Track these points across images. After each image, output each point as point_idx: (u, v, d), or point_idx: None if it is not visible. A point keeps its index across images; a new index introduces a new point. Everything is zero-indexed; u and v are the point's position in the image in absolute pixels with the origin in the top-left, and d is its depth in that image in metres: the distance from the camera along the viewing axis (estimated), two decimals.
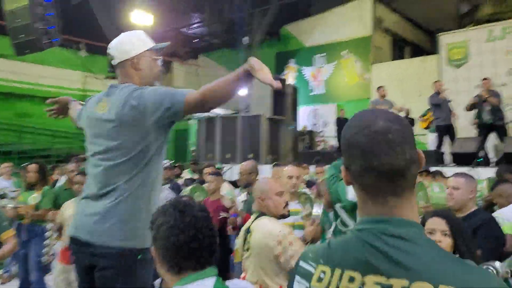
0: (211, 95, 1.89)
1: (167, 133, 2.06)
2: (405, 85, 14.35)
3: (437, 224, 2.22)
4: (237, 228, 4.26)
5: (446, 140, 8.68)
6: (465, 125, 9.31)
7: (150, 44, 2.16)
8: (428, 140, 10.88)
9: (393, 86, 14.84)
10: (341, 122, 12.79)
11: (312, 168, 7.68)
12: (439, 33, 13.36)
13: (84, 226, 1.97)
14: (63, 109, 2.51)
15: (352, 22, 16.38)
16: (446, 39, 12.69)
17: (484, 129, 7.95)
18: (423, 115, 11.04)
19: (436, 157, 7.85)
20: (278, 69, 18.03)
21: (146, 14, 15.38)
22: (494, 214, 3.20)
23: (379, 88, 9.15)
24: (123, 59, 2.11)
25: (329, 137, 16.01)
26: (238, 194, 5.24)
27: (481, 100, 7.94)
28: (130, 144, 1.97)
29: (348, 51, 16.60)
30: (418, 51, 18.51)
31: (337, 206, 3.56)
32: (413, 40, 18.55)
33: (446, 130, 8.69)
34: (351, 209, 3.42)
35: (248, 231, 2.53)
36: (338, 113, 15.58)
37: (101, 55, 17.89)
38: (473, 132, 10.89)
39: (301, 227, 3.66)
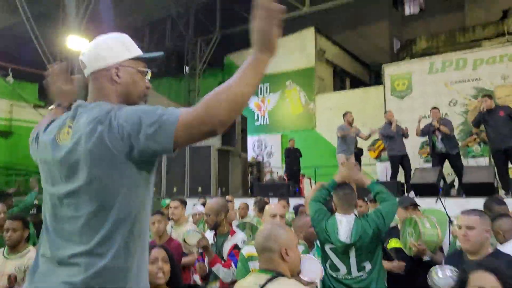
0: (218, 100, 1.26)
1: (151, 173, 1.45)
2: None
3: (487, 281, 1.81)
4: (207, 279, 3.65)
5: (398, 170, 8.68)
6: (411, 156, 9.39)
7: (136, 51, 1.60)
8: (377, 170, 10.91)
9: (337, 116, 15.02)
10: (290, 153, 12.55)
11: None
12: (384, 64, 13.73)
13: None
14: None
15: (295, 53, 16.52)
16: (389, 71, 13.04)
17: (438, 158, 7.99)
18: (373, 145, 11.10)
19: (398, 188, 7.72)
20: None
21: (82, 39, 14.49)
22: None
23: (345, 113, 9.01)
24: (97, 68, 1.54)
25: (275, 168, 15.76)
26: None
27: (433, 129, 8.00)
28: (101, 190, 1.36)
29: (292, 81, 16.66)
30: (357, 82, 19.09)
31: (327, 247, 3.24)
32: (352, 72, 19.10)
33: (400, 161, 8.67)
34: (343, 251, 3.13)
35: None
36: (286, 143, 15.44)
37: (30, 82, 16.63)
38: (419, 162, 11.12)
39: None
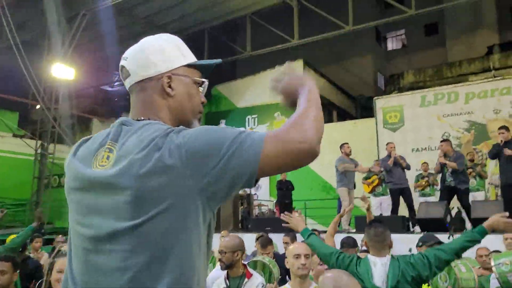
0: (303, 121, 1.07)
1: (214, 213, 1.11)
2: (337, 147, 14.39)
3: None
4: None
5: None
6: None
7: (192, 57, 1.29)
8: (371, 204, 10.68)
9: (327, 149, 14.91)
10: (282, 185, 12.25)
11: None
12: (375, 97, 13.76)
13: None
14: None
15: None
16: (381, 103, 13.04)
17: (446, 192, 7.80)
18: (367, 178, 10.89)
19: (403, 223, 7.47)
20: None
21: (67, 68, 14.17)
22: None
23: (343, 145, 8.85)
24: (145, 76, 1.22)
25: (263, 201, 15.39)
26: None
27: (442, 164, 7.86)
28: (156, 231, 1.02)
29: (280, 113, 16.53)
30: (343, 115, 19.15)
31: None
32: (339, 105, 19.17)
33: (399, 194, 8.49)
34: None
35: None
36: (274, 176, 15.15)
37: (10, 110, 16.07)
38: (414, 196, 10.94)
39: None
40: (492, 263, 3.53)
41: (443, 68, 15.65)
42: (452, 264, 3.42)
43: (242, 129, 1.08)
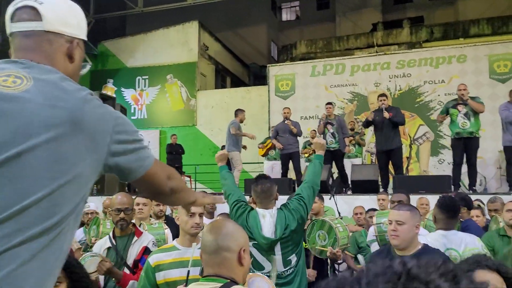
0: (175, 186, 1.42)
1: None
2: (230, 113, 14.42)
3: (491, 281, 1.64)
4: None
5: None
6: None
7: (85, 33, 1.35)
8: (264, 167, 10.92)
9: (219, 114, 14.86)
10: (172, 148, 11.95)
11: None
12: (269, 65, 13.92)
13: None
14: None
15: (177, 46, 15.91)
16: (274, 71, 13.24)
17: (328, 155, 8.22)
18: (263, 143, 11.07)
19: (289, 185, 7.72)
20: (93, 89, 16.15)
21: None
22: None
23: (241, 111, 8.91)
24: (60, 31, 1.24)
25: None
26: None
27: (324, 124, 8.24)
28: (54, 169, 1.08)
29: (173, 76, 15.97)
30: (237, 81, 19.18)
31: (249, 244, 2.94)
32: (233, 71, 19.13)
33: (288, 158, 8.77)
34: (268, 247, 2.86)
35: None
36: (165, 139, 14.76)
37: None
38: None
39: None
40: (374, 221, 3.75)
41: (332, 41, 16.35)
42: (333, 225, 3.57)
43: None
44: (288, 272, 2.88)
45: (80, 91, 1.17)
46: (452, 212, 3.05)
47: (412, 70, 11.79)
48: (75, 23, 1.28)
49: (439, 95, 11.41)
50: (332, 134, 8.22)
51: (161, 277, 2.58)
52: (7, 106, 1.06)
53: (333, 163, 8.32)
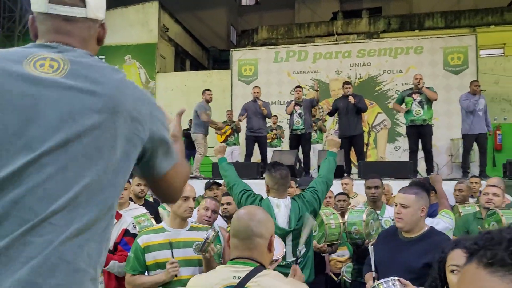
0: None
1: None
2: (190, 97, 14.28)
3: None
4: None
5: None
6: None
7: None
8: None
9: (178, 97, 14.65)
10: None
11: None
12: (232, 49, 13.84)
13: None
14: None
15: (136, 26, 15.46)
16: (237, 55, 13.19)
17: (294, 139, 8.38)
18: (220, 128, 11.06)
19: (257, 170, 7.79)
20: None
21: None
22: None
23: (205, 91, 8.79)
24: (97, 18, 1.24)
25: None
26: None
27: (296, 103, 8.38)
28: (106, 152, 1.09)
29: (131, 57, 15.54)
30: (196, 65, 18.94)
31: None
32: (192, 54, 18.85)
33: (255, 141, 8.80)
34: (282, 238, 2.82)
35: None
36: None
37: None
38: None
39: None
40: (346, 217, 3.86)
41: (293, 28, 16.47)
42: (325, 220, 3.66)
43: None
44: (299, 262, 2.87)
45: (117, 73, 1.16)
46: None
47: (372, 59, 12.13)
48: (104, 7, 1.26)
49: (396, 85, 11.83)
50: (299, 114, 8.39)
51: (150, 258, 2.62)
52: (48, 93, 1.04)
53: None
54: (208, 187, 5.12)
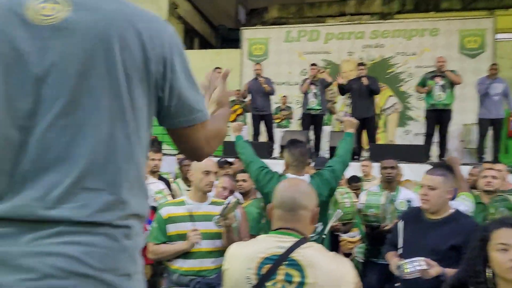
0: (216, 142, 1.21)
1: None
2: (199, 76, 14.08)
3: None
4: None
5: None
6: None
7: None
8: (231, 133, 10.88)
9: None
10: None
11: None
12: (242, 27, 13.68)
13: None
14: None
15: (145, 3, 15.21)
16: (248, 34, 13.01)
17: (308, 119, 8.29)
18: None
19: (267, 149, 7.75)
20: None
21: None
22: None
23: (216, 69, 8.60)
24: None
25: None
26: None
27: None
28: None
29: None
30: (204, 43, 18.72)
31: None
32: (201, 33, 18.63)
33: (260, 119, 8.74)
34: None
35: (294, 264, 1.56)
36: None
37: None
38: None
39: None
40: (363, 199, 3.82)
41: (304, 7, 16.16)
42: (339, 199, 3.65)
43: None
44: (313, 239, 2.92)
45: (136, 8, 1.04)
46: None
47: (386, 41, 11.90)
48: None
49: (409, 67, 11.63)
50: (315, 94, 8.26)
51: (173, 229, 2.70)
52: (54, 41, 0.91)
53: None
54: (220, 165, 5.08)
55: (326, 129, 10.02)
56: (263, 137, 9.00)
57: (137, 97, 0.97)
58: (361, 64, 8.06)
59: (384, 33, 11.94)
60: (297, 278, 1.54)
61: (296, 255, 1.56)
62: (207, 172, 2.76)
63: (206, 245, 2.66)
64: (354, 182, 5.12)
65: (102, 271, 0.87)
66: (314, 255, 1.58)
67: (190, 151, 1.15)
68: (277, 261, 1.56)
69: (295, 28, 12.66)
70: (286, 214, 1.66)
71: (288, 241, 1.60)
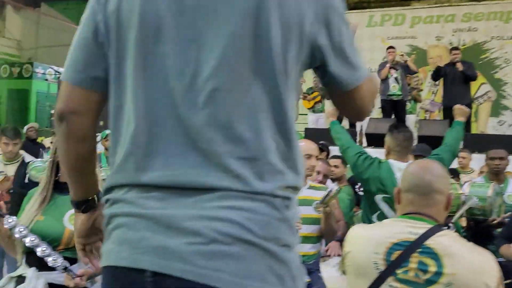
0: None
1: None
2: None
3: None
4: None
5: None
6: None
7: None
8: (308, 120, 10.66)
9: None
10: None
11: None
12: None
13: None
14: None
15: None
16: None
17: (389, 105, 7.93)
18: (307, 93, 10.69)
19: (358, 137, 7.55)
20: None
21: None
22: None
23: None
24: None
25: None
26: None
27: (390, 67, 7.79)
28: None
29: None
30: None
31: (379, 197, 2.79)
32: None
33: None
34: None
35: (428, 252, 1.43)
36: None
37: None
38: None
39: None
40: (467, 191, 3.55)
41: None
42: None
43: None
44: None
45: None
46: None
47: (479, 24, 11.03)
48: None
49: (506, 52, 10.71)
50: (396, 79, 7.87)
51: None
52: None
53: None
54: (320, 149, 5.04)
55: (410, 118, 9.54)
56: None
57: (290, 60, 0.89)
58: (455, 48, 7.54)
59: (478, 15, 11.08)
60: (433, 268, 1.41)
61: (431, 242, 1.44)
62: (309, 156, 2.70)
63: (305, 230, 2.61)
64: (452, 176, 4.76)
65: (265, 240, 0.82)
66: (451, 244, 1.46)
67: (357, 111, 1.06)
68: (409, 248, 1.44)
69: (378, 12, 12.15)
70: (419, 198, 1.54)
71: (421, 227, 1.48)
